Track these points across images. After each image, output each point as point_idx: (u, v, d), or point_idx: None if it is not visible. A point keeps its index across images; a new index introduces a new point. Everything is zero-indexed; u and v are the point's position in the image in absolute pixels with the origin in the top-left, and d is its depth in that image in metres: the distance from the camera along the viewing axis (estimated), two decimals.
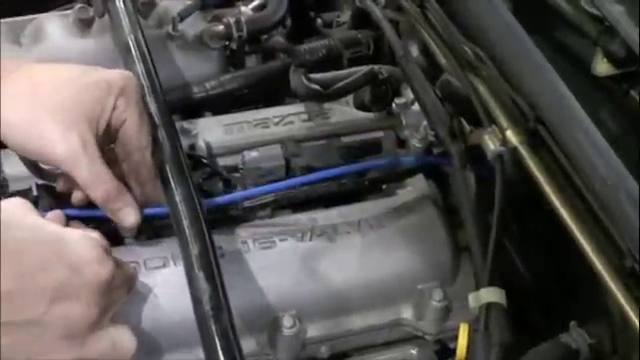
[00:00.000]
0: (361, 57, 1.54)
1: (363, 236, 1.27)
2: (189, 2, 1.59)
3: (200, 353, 1.01)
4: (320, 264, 1.23)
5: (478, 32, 1.29)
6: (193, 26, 1.57)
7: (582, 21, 1.26)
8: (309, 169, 1.33)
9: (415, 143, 1.38)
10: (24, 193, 1.22)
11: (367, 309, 1.24)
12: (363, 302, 1.24)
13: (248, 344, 1.18)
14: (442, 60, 1.32)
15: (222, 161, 1.37)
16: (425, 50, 1.41)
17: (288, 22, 1.65)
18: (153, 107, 1.20)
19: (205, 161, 1.34)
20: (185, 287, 1.04)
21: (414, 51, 1.45)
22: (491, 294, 1.09)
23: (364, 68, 1.41)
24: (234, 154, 1.37)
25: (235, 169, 1.35)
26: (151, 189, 1.15)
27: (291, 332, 1.18)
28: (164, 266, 1.20)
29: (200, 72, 1.53)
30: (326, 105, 1.46)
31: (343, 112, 1.46)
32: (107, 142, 1.13)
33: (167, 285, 1.17)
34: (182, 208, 1.10)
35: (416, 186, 1.35)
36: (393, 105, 1.44)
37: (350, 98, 1.48)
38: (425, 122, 1.35)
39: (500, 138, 1.17)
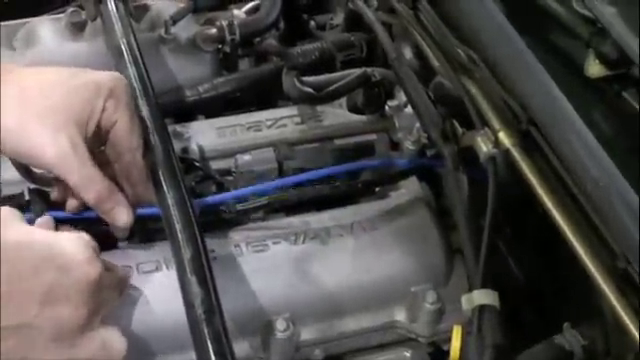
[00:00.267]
0: (354, 60, 1.54)
1: (356, 239, 1.27)
2: (182, 5, 1.58)
3: (193, 357, 1.00)
4: (313, 267, 1.23)
5: (470, 34, 1.29)
6: (186, 29, 1.57)
7: (574, 23, 1.26)
8: (302, 172, 1.33)
9: (408, 145, 1.38)
10: (16, 197, 1.22)
11: (360, 312, 1.24)
12: (356, 305, 1.24)
13: (241, 347, 1.18)
14: (435, 62, 1.32)
15: (215, 164, 1.37)
16: (418, 52, 1.40)
17: (281, 25, 1.65)
18: (145, 110, 1.20)
19: (198, 164, 1.35)
20: (178, 291, 1.04)
21: (407, 53, 1.45)
22: (484, 296, 1.09)
23: (357, 71, 1.41)
24: (227, 157, 1.37)
25: (228, 172, 1.35)
26: (142, 190, 1.15)
27: (284, 335, 1.18)
28: (157, 270, 1.20)
29: (193, 75, 1.53)
30: (319, 108, 1.46)
31: (336, 115, 1.46)
32: (98, 144, 1.13)
33: (160, 289, 1.17)
34: (174, 212, 1.10)
35: (409, 188, 1.35)
36: (386, 108, 1.44)
37: (343, 101, 1.48)
38: (418, 124, 1.35)
39: (492, 140, 1.17)
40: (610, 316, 1.05)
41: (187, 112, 1.49)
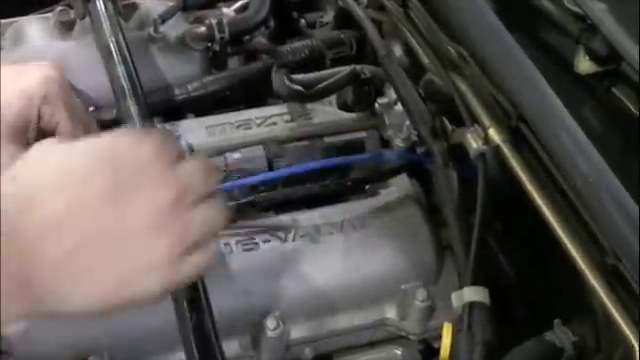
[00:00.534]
0: (344, 57, 1.53)
1: (346, 236, 1.26)
2: (171, 4, 1.58)
3: (182, 356, 1.00)
4: (303, 265, 1.23)
5: (460, 31, 1.29)
6: (175, 28, 1.56)
7: (564, 19, 1.26)
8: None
9: (398, 143, 1.38)
10: None
11: (351, 309, 1.24)
12: (346, 303, 1.23)
13: (231, 346, 1.18)
14: (424, 59, 1.32)
15: None
16: (408, 49, 1.40)
17: (271, 23, 1.65)
18: (134, 109, 1.19)
19: None
20: None
21: (397, 51, 1.45)
22: (474, 293, 1.09)
23: (347, 68, 1.41)
24: (217, 156, 1.36)
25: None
26: None
27: (275, 334, 1.18)
28: None
29: (182, 74, 1.53)
30: (309, 106, 1.45)
31: (326, 112, 1.46)
32: None
33: None
34: None
35: (399, 186, 1.35)
36: (376, 105, 1.44)
37: (333, 98, 1.48)
38: (408, 122, 1.35)
39: (482, 137, 1.17)
40: (600, 312, 1.05)
41: (177, 111, 1.48)
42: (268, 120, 1.43)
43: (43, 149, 0.85)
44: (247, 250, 1.24)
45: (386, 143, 1.41)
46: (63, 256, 0.80)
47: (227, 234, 1.25)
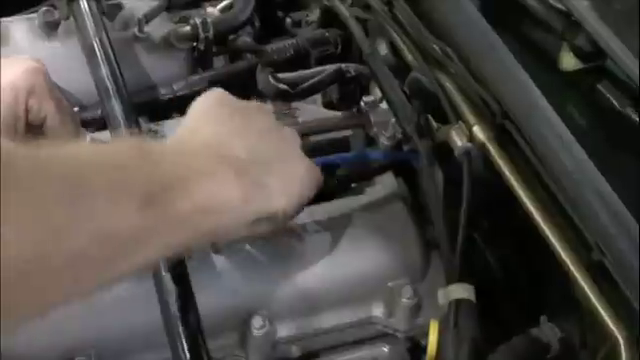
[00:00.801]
0: (329, 56, 1.54)
1: (332, 235, 1.26)
2: (155, 3, 1.58)
3: (168, 354, 1.00)
4: (289, 263, 1.23)
5: (445, 29, 1.30)
6: (160, 27, 1.55)
7: (548, 16, 1.27)
8: None
9: (383, 141, 1.37)
10: None
11: (337, 307, 1.24)
12: (333, 301, 1.23)
13: (218, 345, 1.17)
14: (410, 57, 1.32)
15: None
16: (393, 48, 1.40)
17: (257, 22, 1.65)
18: (118, 109, 1.19)
19: None
20: (153, 288, 1.04)
21: (382, 49, 1.44)
22: (460, 290, 1.09)
23: (332, 67, 1.41)
24: None
25: None
26: None
27: (261, 332, 1.18)
28: None
29: (167, 73, 1.52)
30: (294, 104, 1.45)
31: (311, 111, 1.45)
32: (35, 137, 1.11)
33: (135, 286, 1.16)
34: None
35: (385, 184, 1.35)
36: (361, 103, 1.43)
37: (318, 97, 1.48)
38: (393, 120, 1.35)
39: (467, 134, 1.18)
40: (586, 308, 1.05)
41: (162, 110, 1.48)
42: None
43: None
44: (233, 248, 1.23)
45: (372, 141, 1.41)
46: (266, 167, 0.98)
47: None
